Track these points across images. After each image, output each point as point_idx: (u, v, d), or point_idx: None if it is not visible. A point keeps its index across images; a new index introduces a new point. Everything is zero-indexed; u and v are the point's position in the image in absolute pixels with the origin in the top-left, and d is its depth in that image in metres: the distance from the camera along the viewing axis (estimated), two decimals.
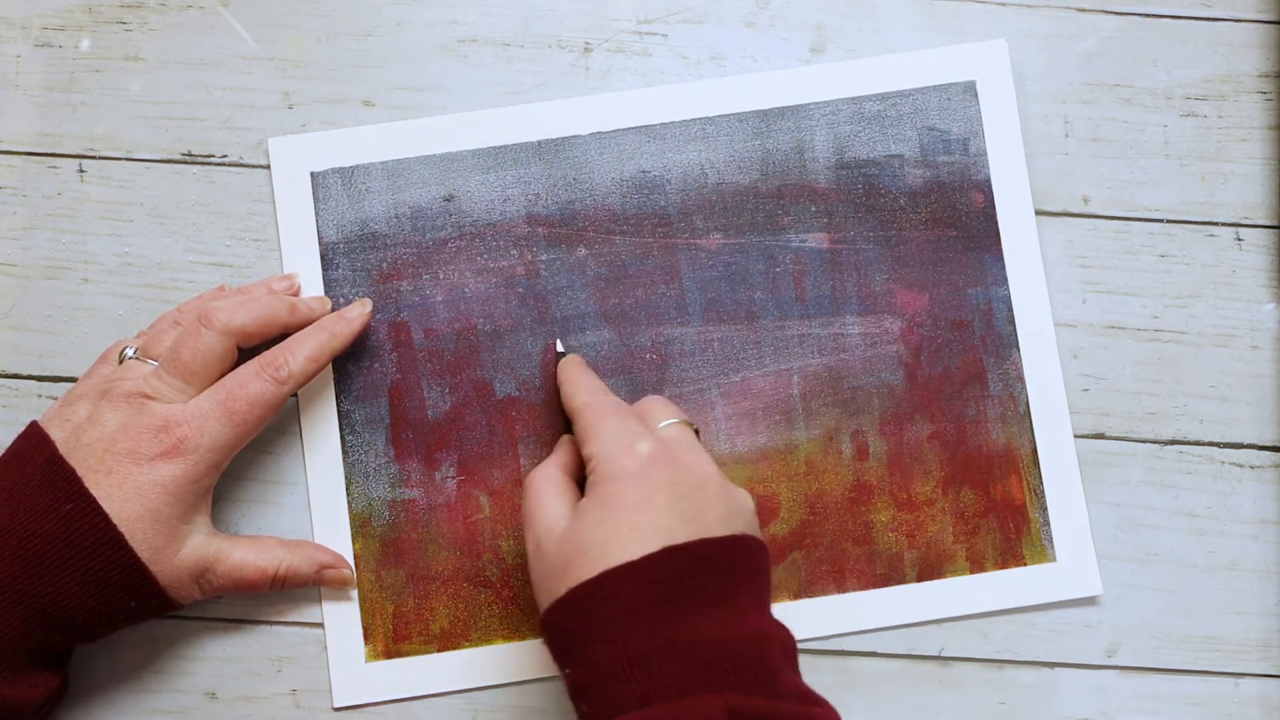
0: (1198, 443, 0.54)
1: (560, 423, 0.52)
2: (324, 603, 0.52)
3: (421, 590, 0.52)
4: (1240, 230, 0.55)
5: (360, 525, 0.52)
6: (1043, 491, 0.53)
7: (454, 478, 0.53)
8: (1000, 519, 0.53)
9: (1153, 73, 0.56)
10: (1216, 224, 0.55)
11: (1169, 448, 0.54)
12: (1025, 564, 0.53)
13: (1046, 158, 0.55)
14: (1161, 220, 0.55)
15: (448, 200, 0.54)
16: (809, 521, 0.53)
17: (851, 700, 0.52)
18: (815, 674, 0.52)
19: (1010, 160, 0.55)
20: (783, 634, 0.42)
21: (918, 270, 0.54)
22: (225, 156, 0.55)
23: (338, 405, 0.53)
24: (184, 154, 0.55)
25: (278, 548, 0.50)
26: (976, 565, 0.53)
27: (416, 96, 0.55)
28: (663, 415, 0.46)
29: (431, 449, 0.53)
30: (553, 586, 0.42)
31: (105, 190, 0.54)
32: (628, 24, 0.56)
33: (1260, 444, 0.54)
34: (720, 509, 0.43)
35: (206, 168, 0.55)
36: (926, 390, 0.54)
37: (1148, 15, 0.56)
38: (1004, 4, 0.56)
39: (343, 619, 0.52)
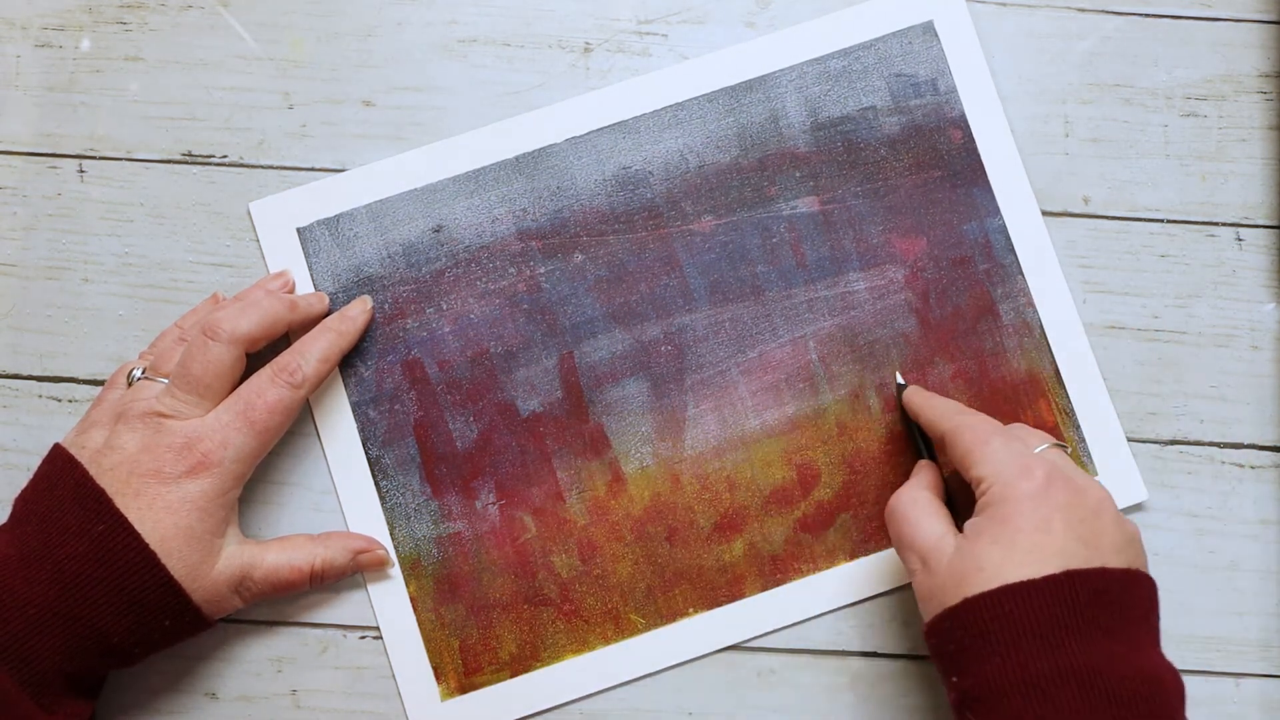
0: (1198, 443, 0.54)
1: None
2: (389, 648, 0.52)
3: (484, 620, 0.52)
4: (1240, 230, 0.55)
5: (411, 567, 0.52)
6: (1072, 409, 0.53)
7: (494, 503, 0.53)
8: None
9: (1153, 73, 0.56)
10: (1216, 224, 0.55)
11: (1169, 448, 0.54)
12: None
13: (1046, 158, 0.55)
14: (1162, 220, 0.55)
15: (437, 231, 0.54)
16: (851, 481, 0.53)
17: (851, 700, 0.52)
18: (817, 674, 0.52)
19: (981, 91, 0.55)
20: (1176, 679, 0.42)
21: (910, 216, 0.54)
22: (225, 156, 0.55)
23: (366, 452, 0.53)
24: (184, 154, 0.55)
25: (309, 544, 0.50)
26: None
27: (416, 96, 0.55)
28: (1036, 439, 0.46)
29: (467, 479, 0.53)
30: (943, 599, 0.43)
31: (105, 190, 0.54)
32: (628, 24, 0.56)
33: (1260, 444, 0.54)
34: (1115, 538, 0.43)
35: (206, 168, 0.55)
36: (941, 332, 0.54)
37: (1148, 15, 0.56)
38: (1004, 4, 0.56)
39: (411, 661, 0.52)
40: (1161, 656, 0.43)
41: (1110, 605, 0.42)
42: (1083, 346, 0.54)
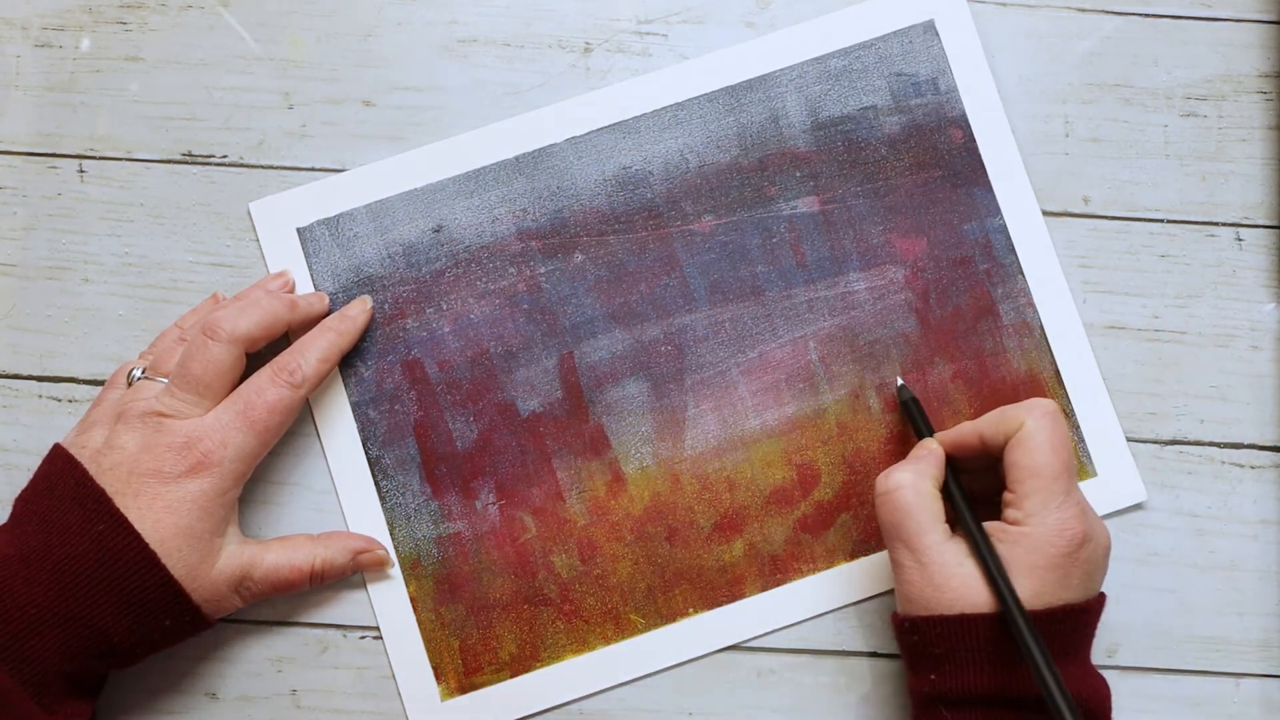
0: (1198, 443, 0.54)
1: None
2: (389, 648, 0.52)
3: (484, 620, 0.52)
4: (1240, 230, 0.55)
5: (411, 567, 0.52)
6: (1072, 410, 0.53)
7: (494, 503, 0.53)
8: None
9: (1153, 73, 0.56)
10: (1216, 224, 0.55)
11: (1169, 448, 0.54)
12: None
13: (1046, 158, 0.55)
14: (1162, 220, 0.55)
15: (437, 231, 0.54)
16: (851, 482, 0.53)
17: (851, 700, 0.52)
18: (817, 674, 0.52)
19: (982, 90, 0.55)
20: (1107, 686, 0.46)
21: (911, 216, 0.54)
22: (225, 156, 0.55)
23: (366, 452, 0.53)
24: (184, 154, 0.55)
25: (309, 543, 0.50)
26: None
27: (416, 96, 0.55)
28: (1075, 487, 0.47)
29: (467, 479, 0.53)
30: (933, 604, 0.45)
31: (105, 190, 0.54)
32: (628, 24, 0.56)
33: (1260, 444, 0.54)
34: (1104, 572, 0.47)
35: (206, 168, 0.55)
36: (941, 332, 0.54)
37: (1148, 15, 0.56)
38: (1004, 4, 0.56)
39: (411, 661, 0.52)
40: (1093, 666, 0.47)
41: (1082, 630, 0.46)
42: (1083, 346, 0.54)
